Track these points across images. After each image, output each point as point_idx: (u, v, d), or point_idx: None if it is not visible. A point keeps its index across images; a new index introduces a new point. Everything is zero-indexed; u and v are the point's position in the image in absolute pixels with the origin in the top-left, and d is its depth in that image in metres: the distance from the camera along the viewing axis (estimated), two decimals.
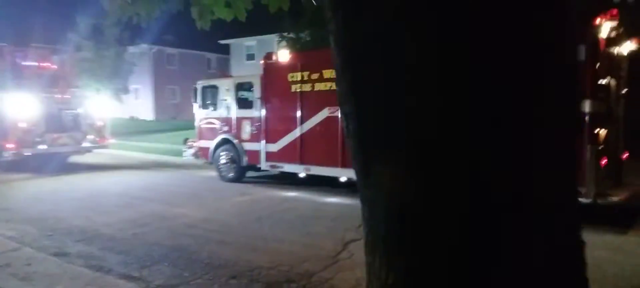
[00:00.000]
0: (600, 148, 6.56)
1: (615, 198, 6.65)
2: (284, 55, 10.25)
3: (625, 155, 8.07)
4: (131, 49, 28.18)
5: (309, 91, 9.82)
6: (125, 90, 25.85)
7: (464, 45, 1.47)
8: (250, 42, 32.91)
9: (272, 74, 10.51)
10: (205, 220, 7.69)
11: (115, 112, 34.11)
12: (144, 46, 31.94)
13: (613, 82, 7.76)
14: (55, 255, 5.66)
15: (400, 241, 1.63)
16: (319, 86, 9.65)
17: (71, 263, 5.37)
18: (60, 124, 13.53)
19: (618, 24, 6.99)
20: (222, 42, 34.37)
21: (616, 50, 7.59)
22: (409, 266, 1.62)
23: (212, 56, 39.31)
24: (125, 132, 25.85)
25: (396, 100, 1.57)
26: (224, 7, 4.19)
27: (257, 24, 17.10)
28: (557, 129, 1.60)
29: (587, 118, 6.44)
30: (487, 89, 1.48)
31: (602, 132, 6.67)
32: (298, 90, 9.99)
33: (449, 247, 1.55)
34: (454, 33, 1.47)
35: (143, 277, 4.97)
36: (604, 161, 6.60)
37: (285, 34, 21.57)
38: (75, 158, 14.97)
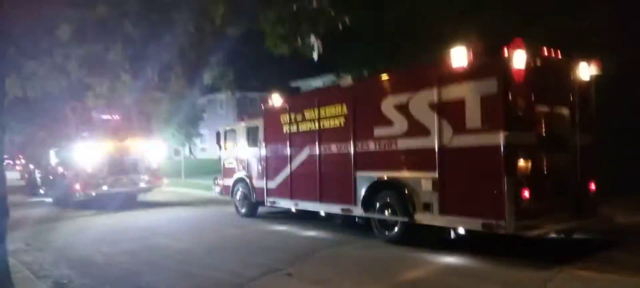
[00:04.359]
0: (521, 179, 6.36)
1: (534, 232, 6.33)
2: (277, 99, 11.21)
3: (593, 187, 7.52)
4: (218, 96, 31.36)
5: (296, 132, 10.61)
6: (197, 134, 28.92)
7: None
8: (317, 82, 34.48)
9: (270, 116, 11.50)
10: (183, 251, 8.75)
11: (203, 153, 37.89)
12: (228, 92, 35.30)
13: (565, 111, 7.40)
14: (40, 277, 7.06)
15: None
16: (302, 127, 10.40)
17: (43, 282, 6.74)
18: (121, 167, 15.89)
19: (540, 52, 6.82)
20: (293, 84, 36.58)
21: (562, 77, 7.29)
22: None
23: None
24: (202, 172, 28.65)
25: None
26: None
27: (321, 66, 18.73)
28: None
29: (502, 149, 6.36)
30: None
31: (525, 163, 6.46)
32: (288, 131, 10.83)
33: None
34: None
35: None
36: (526, 193, 6.38)
37: (340, 74, 22.58)
38: (142, 196, 17.29)
